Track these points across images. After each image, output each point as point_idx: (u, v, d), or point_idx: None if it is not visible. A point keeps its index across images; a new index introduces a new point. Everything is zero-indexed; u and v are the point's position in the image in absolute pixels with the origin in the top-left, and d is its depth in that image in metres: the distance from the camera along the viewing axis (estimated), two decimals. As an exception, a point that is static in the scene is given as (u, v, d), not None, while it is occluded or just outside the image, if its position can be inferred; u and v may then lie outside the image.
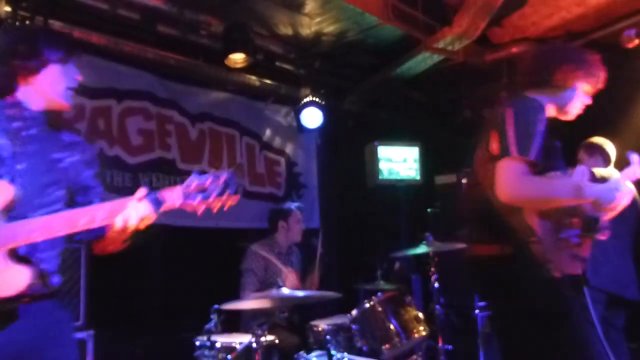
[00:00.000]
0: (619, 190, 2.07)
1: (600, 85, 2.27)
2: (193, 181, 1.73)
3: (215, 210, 1.75)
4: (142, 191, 1.73)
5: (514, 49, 4.60)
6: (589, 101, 2.29)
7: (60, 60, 1.84)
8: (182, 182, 4.41)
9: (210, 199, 1.72)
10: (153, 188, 4.22)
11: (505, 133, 2.09)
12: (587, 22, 4.27)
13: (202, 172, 1.77)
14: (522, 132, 2.08)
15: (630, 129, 4.42)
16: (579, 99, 2.26)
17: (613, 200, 2.04)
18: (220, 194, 1.72)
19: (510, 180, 2.06)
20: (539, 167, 2.08)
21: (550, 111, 2.28)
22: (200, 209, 1.74)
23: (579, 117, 2.38)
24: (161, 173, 4.41)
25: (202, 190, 1.72)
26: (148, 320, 3.94)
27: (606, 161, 3.55)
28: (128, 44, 4.01)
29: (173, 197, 1.73)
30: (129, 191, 4.48)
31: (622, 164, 3.57)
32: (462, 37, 4.08)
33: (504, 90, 4.98)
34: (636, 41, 2.22)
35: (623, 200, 2.06)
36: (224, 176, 1.73)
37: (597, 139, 3.63)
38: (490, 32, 4.63)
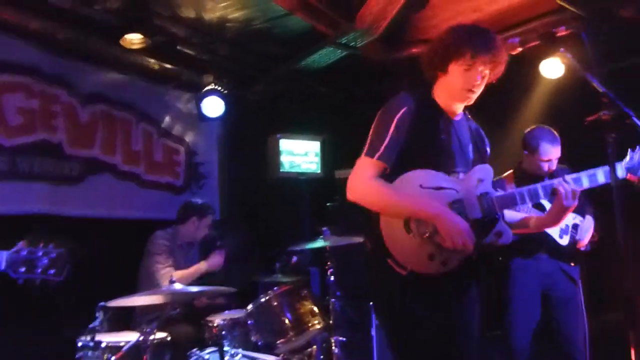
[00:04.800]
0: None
1: (497, 60, 2.14)
2: (22, 250, 1.64)
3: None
4: None
5: (414, 50, 4.75)
6: (484, 77, 2.16)
7: None
8: (69, 168, 4.15)
9: (35, 274, 1.65)
10: (35, 174, 3.92)
11: (368, 133, 2.18)
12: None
13: (33, 245, 1.68)
14: (375, 133, 2.16)
15: (519, 131, 4.73)
16: (474, 78, 2.14)
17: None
18: (44, 272, 1.66)
19: (352, 180, 2.15)
20: (395, 167, 2.10)
21: (454, 98, 2.22)
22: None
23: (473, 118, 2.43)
24: (45, 158, 4.04)
25: (29, 262, 1.65)
26: (22, 318, 3.60)
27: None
28: (6, 11, 3.62)
29: None
30: (5, 176, 4.04)
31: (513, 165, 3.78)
32: (365, 34, 4.14)
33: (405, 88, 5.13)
34: (519, 49, 2.29)
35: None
36: (53, 254, 1.68)
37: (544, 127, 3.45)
38: (393, 31, 4.74)
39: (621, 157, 2.32)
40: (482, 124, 2.47)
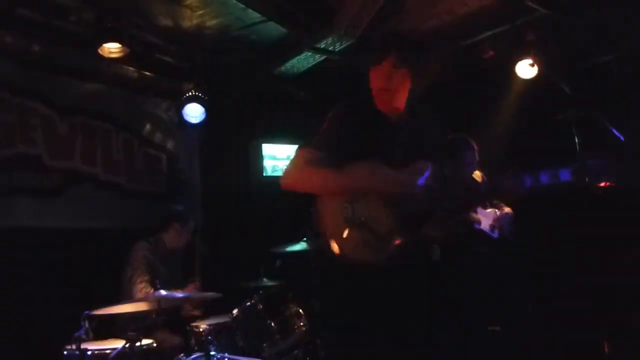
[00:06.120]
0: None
1: (408, 55, 2.19)
2: None
3: None
4: None
5: (391, 53, 4.82)
6: (392, 76, 2.20)
7: None
8: (49, 180, 4.21)
9: None
10: (15, 187, 3.90)
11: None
12: (458, 30, 4.59)
13: None
14: (317, 133, 2.24)
15: (493, 127, 4.83)
16: (379, 78, 2.20)
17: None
18: None
19: (286, 169, 2.25)
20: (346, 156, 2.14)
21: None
22: None
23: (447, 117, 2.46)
24: (25, 170, 4.03)
25: None
26: (7, 330, 3.59)
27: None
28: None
29: None
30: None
31: (484, 162, 3.88)
32: (342, 39, 4.19)
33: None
34: (490, 53, 2.34)
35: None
36: None
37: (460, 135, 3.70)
38: (370, 35, 4.81)
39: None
40: (462, 117, 2.51)
